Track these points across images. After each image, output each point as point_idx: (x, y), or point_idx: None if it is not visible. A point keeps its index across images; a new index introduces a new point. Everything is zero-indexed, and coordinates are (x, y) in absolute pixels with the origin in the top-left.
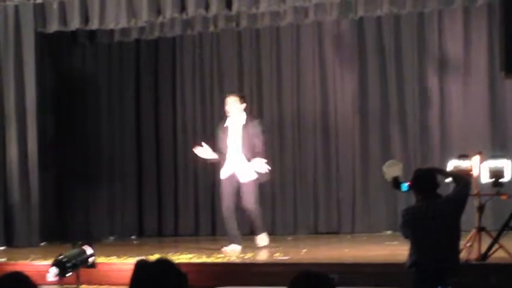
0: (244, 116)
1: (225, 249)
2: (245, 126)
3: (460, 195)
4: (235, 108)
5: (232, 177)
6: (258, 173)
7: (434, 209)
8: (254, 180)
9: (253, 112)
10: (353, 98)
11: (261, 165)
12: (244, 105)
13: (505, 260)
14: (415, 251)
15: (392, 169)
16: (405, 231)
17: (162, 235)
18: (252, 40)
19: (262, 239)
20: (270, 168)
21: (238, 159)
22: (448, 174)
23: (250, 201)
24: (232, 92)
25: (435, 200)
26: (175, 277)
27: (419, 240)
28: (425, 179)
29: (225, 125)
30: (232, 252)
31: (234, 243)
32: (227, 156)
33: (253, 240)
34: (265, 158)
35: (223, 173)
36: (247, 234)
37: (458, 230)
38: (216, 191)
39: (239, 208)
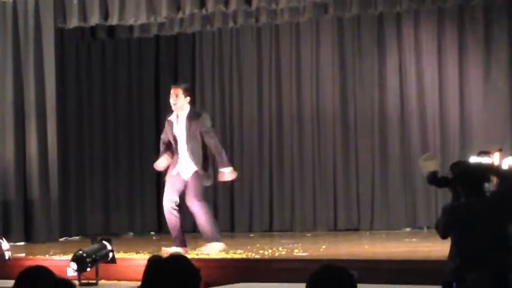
0: (187, 109)
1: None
2: (189, 121)
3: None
4: (179, 101)
5: (179, 175)
6: (203, 174)
7: (484, 209)
8: (198, 176)
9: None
10: (372, 94)
11: (229, 175)
12: (188, 98)
13: None
14: (457, 256)
15: (429, 163)
16: (445, 230)
17: None
18: (272, 36)
19: (212, 247)
20: (236, 175)
21: (184, 157)
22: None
23: (191, 197)
24: (176, 84)
25: (482, 197)
26: (189, 273)
27: (464, 244)
28: (475, 174)
29: (169, 118)
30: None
31: (174, 245)
32: (174, 151)
33: (266, 237)
34: (226, 158)
35: (173, 170)
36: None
37: (508, 234)
38: (235, 186)
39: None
